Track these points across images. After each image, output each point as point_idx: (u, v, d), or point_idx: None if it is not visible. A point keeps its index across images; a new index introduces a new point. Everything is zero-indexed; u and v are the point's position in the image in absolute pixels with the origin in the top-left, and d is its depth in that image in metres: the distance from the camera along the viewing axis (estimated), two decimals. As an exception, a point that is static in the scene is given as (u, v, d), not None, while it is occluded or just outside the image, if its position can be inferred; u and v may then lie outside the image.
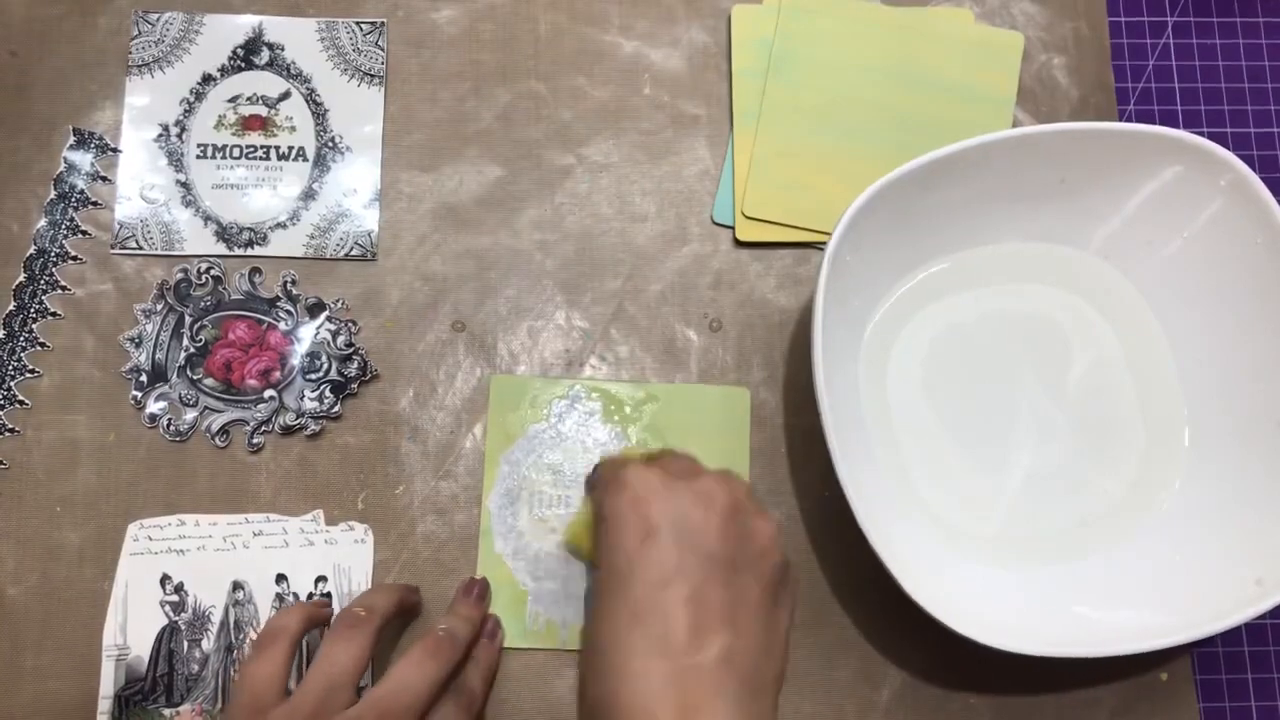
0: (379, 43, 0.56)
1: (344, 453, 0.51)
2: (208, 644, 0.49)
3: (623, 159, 0.55)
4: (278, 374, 0.52)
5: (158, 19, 0.55)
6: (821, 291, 0.45)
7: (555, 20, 0.57)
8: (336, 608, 0.49)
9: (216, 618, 0.49)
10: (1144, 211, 0.51)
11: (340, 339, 0.52)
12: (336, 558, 0.50)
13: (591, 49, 0.56)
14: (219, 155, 0.54)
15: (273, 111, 0.55)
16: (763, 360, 0.53)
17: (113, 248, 0.53)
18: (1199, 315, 0.51)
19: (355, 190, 0.54)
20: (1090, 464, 0.52)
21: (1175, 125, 0.57)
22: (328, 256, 0.53)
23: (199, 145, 0.54)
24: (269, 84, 0.55)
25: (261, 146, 0.54)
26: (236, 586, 0.50)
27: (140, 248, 0.53)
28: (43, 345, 0.52)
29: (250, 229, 0.54)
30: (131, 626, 0.49)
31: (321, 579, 0.50)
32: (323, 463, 0.51)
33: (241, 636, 0.49)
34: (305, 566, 0.50)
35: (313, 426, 0.51)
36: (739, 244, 0.54)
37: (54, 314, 0.52)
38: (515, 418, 0.51)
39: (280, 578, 0.50)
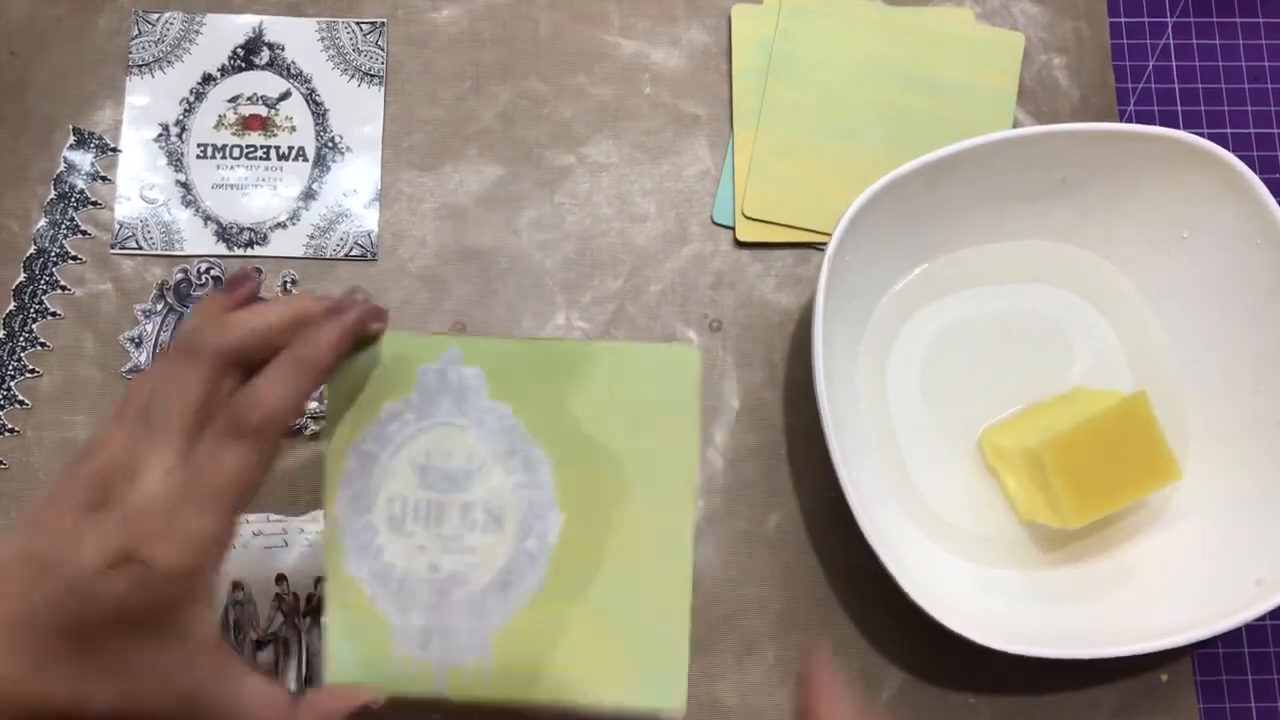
0: (379, 43, 0.56)
1: (344, 453, 0.51)
2: (208, 644, 0.49)
3: (623, 159, 0.55)
4: (278, 374, 0.52)
5: (158, 19, 0.55)
6: (822, 292, 0.45)
7: (555, 20, 0.57)
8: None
9: (216, 618, 0.49)
10: (1144, 211, 0.51)
11: (340, 339, 0.52)
12: (336, 558, 0.50)
13: (591, 49, 0.56)
14: (219, 155, 0.54)
15: (273, 111, 0.55)
16: (763, 360, 0.53)
17: (113, 248, 0.53)
18: (1199, 315, 0.51)
19: (355, 190, 0.54)
20: (1090, 464, 0.52)
21: (1175, 125, 0.57)
22: (328, 257, 0.53)
23: (199, 145, 0.54)
24: (269, 84, 0.55)
25: (261, 146, 0.54)
26: (236, 587, 0.50)
27: (140, 248, 0.53)
28: (43, 345, 0.52)
29: (250, 229, 0.53)
30: (131, 626, 0.49)
31: (321, 580, 0.50)
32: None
33: (241, 636, 0.49)
34: (305, 567, 0.50)
35: (313, 427, 0.51)
36: (739, 244, 0.54)
37: (54, 314, 0.52)
38: (366, 395, 0.37)
39: (280, 578, 0.50)
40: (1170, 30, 0.58)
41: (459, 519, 0.38)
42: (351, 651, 0.37)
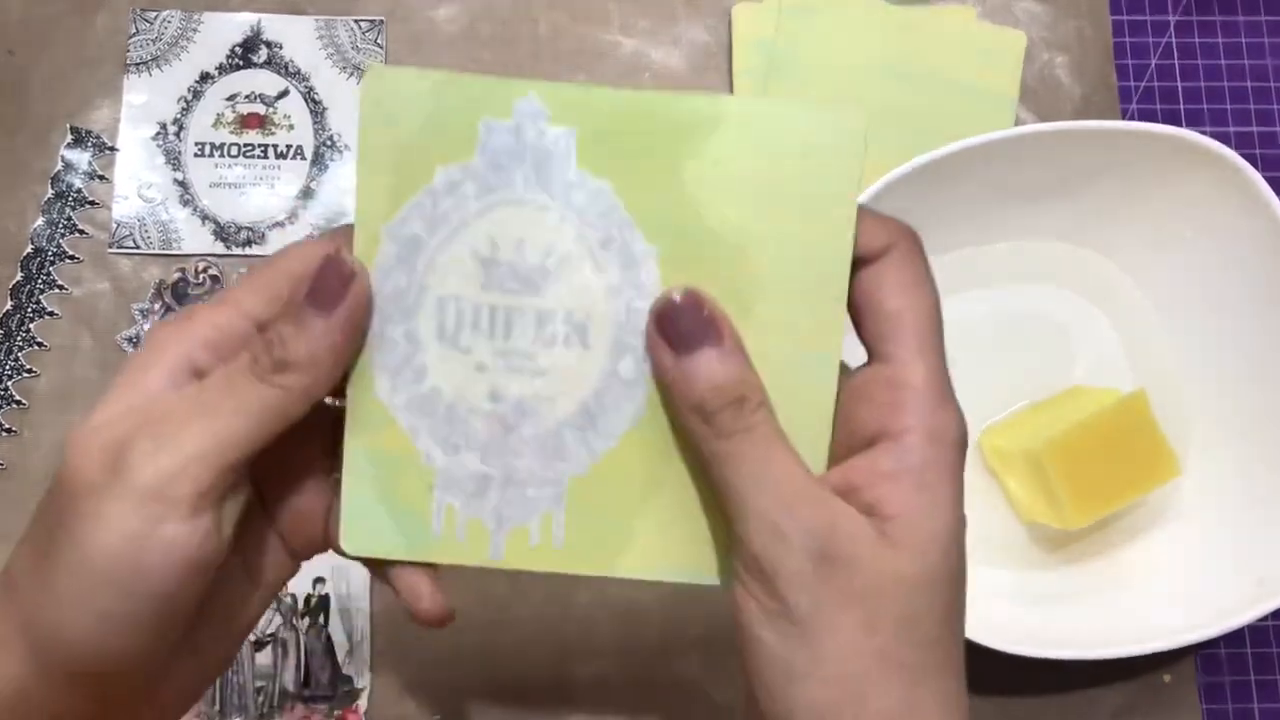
0: (378, 41, 0.55)
1: (343, 453, 0.51)
2: (205, 645, 0.49)
3: (623, 158, 0.55)
4: (276, 374, 0.52)
5: (156, 17, 0.55)
6: (823, 291, 0.45)
7: (555, 19, 0.56)
8: (335, 611, 0.49)
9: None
10: (1146, 210, 0.51)
11: (339, 339, 0.52)
12: (334, 559, 0.49)
13: (591, 48, 0.56)
14: (217, 154, 0.54)
15: (271, 110, 0.54)
16: (763, 360, 0.53)
17: (110, 247, 0.53)
18: (1202, 314, 0.51)
19: (354, 189, 0.54)
20: (1092, 464, 0.51)
21: (1178, 124, 0.57)
22: (326, 256, 0.53)
23: (197, 144, 0.54)
24: (267, 82, 0.55)
25: (259, 145, 0.54)
26: (234, 587, 0.49)
27: (138, 247, 0.53)
28: (40, 345, 0.52)
29: (248, 228, 0.53)
30: (129, 627, 0.49)
31: (320, 580, 0.50)
32: (321, 463, 0.51)
33: (239, 638, 0.49)
34: (303, 568, 0.50)
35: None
36: (739, 243, 0.54)
37: (51, 313, 0.52)
38: (412, 155, 0.28)
39: (278, 579, 0.50)
40: (1172, 29, 0.58)
41: (532, 331, 0.28)
42: (375, 504, 0.29)
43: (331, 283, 0.26)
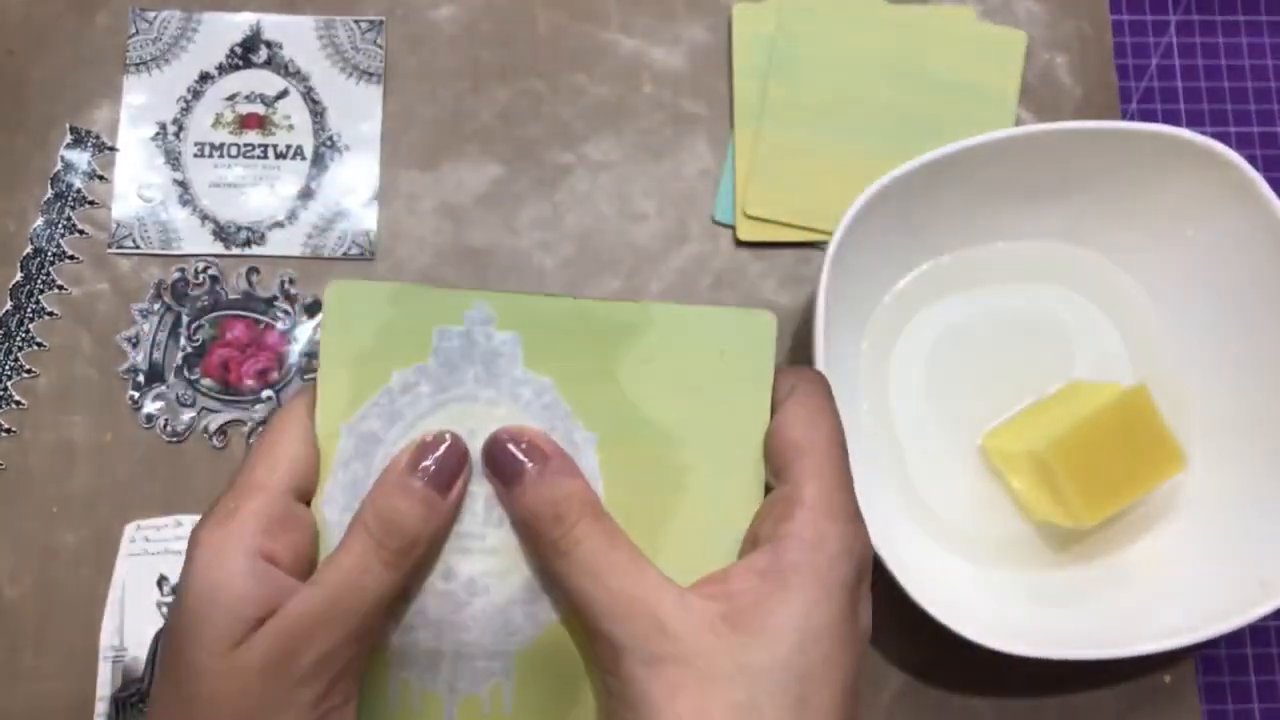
0: (377, 40, 0.55)
1: (342, 453, 0.51)
2: (205, 646, 0.49)
3: (623, 157, 0.55)
4: (275, 374, 0.52)
5: (155, 17, 0.55)
6: (823, 291, 0.45)
7: (554, 18, 0.56)
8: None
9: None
10: (1147, 210, 0.51)
11: (338, 339, 0.52)
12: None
13: (591, 46, 0.56)
14: (216, 154, 0.54)
15: (270, 110, 0.54)
16: (763, 360, 0.53)
17: (110, 247, 0.53)
18: (1202, 314, 0.51)
19: (353, 189, 0.54)
20: (1093, 464, 0.51)
21: (1178, 124, 0.56)
22: (326, 256, 0.53)
23: (196, 144, 0.54)
24: (267, 82, 0.55)
25: (259, 145, 0.54)
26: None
27: (137, 247, 0.53)
28: (39, 345, 0.52)
29: (248, 228, 0.53)
30: (129, 628, 0.49)
31: (319, 580, 0.50)
32: (321, 463, 0.51)
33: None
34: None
35: (311, 427, 0.51)
36: (740, 243, 0.54)
37: (51, 313, 0.52)
38: (370, 360, 0.30)
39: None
40: (1173, 28, 0.58)
41: (482, 513, 0.30)
42: None
43: (451, 466, 0.29)
